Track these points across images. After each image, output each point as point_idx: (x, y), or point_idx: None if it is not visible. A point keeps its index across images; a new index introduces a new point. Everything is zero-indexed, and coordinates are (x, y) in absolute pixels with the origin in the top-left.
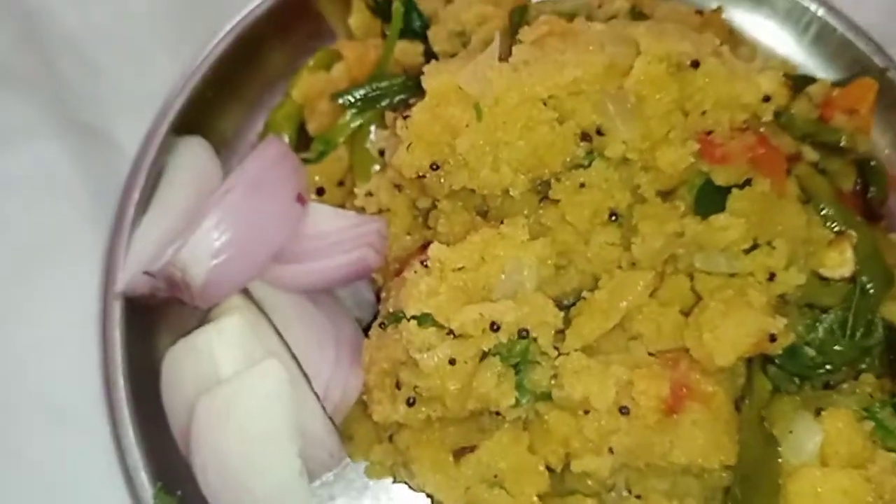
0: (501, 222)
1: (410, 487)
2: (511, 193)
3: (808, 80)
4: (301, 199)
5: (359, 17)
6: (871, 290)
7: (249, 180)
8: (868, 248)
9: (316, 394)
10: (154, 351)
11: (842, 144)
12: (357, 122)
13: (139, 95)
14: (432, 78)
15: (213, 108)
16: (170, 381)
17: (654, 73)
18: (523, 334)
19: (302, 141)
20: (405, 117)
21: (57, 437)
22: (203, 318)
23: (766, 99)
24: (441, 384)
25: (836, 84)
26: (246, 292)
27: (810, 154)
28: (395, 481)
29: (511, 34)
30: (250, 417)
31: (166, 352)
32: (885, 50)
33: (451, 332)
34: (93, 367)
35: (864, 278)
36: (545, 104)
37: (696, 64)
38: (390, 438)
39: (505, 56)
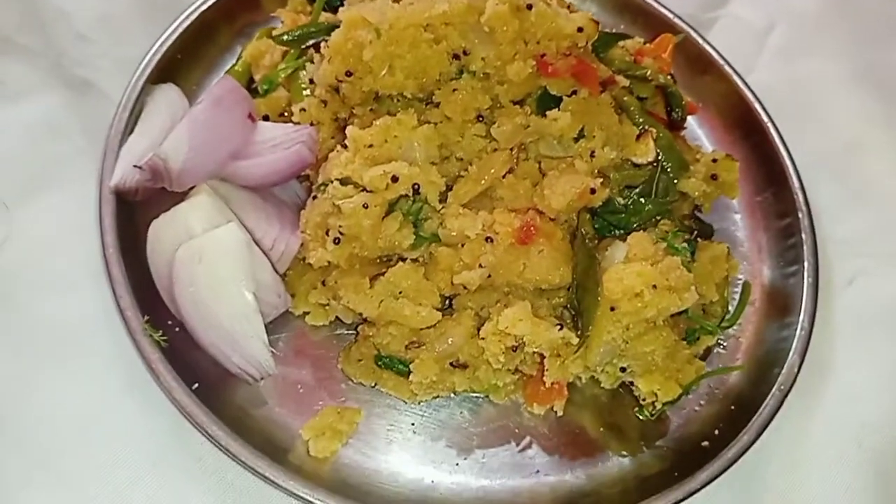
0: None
1: (340, 321)
2: (405, 94)
3: (626, 36)
4: (251, 118)
5: (292, 4)
6: (669, 170)
7: (212, 99)
8: (666, 140)
9: (265, 252)
10: (140, 235)
11: (647, 76)
12: (292, 65)
13: (120, 57)
14: (346, 11)
15: (179, 68)
16: (154, 245)
17: (500, 11)
18: (416, 188)
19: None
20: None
21: (66, 300)
22: None
23: (580, 30)
24: (358, 222)
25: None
26: (211, 186)
27: (623, 81)
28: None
29: None
30: (217, 264)
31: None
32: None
33: (363, 189)
34: (93, 250)
35: (664, 161)
36: (425, 30)
37: (529, 6)
38: (324, 284)
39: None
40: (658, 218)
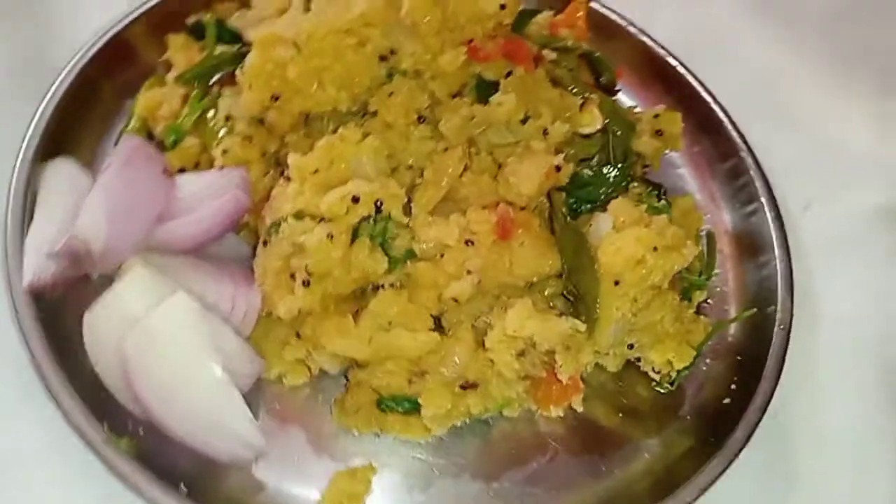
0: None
1: (324, 372)
2: (340, 108)
3: (536, 12)
4: (167, 172)
5: (175, 44)
6: (619, 133)
7: (120, 160)
8: (609, 106)
9: (224, 318)
10: (70, 334)
11: (568, 45)
12: (198, 108)
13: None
14: (256, 32)
15: (65, 140)
16: (93, 340)
17: (419, 2)
18: (378, 204)
19: None
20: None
21: (7, 429)
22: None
23: (503, 7)
24: (325, 256)
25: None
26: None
27: (550, 55)
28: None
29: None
30: (174, 343)
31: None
32: None
33: (322, 219)
34: (21, 365)
35: (613, 126)
36: (346, 35)
37: None
38: (298, 336)
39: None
40: (625, 183)
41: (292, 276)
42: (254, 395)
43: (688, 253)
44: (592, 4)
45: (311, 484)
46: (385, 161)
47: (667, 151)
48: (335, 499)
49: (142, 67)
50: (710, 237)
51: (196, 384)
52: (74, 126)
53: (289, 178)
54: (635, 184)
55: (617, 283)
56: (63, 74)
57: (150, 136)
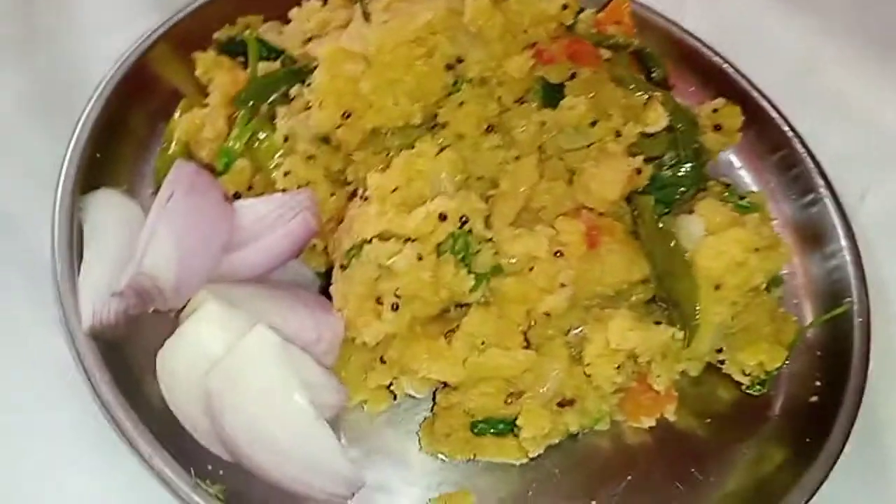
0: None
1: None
2: (413, 122)
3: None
4: (227, 198)
5: (205, 63)
6: (684, 130)
7: (183, 187)
8: (671, 103)
9: (305, 348)
10: (137, 377)
11: (620, 42)
12: (249, 129)
13: (31, 178)
14: (321, 47)
15: (101, 173)
16: (169, 382)
17: (482, 6)
18: (464, 219)
19: None
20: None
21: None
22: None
23: (565, 7)
24: (415, 278)
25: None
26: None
27: (605, 53)
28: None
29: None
30: (258, 379)
31: (156, 359)
32: None
33: (408, 239)
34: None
35: (677, 123)
36: (415, 45)
37: None
38: (383, 361)
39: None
40: (701, 182)
41: (379, 301)
42: (333, 425)
43: (786, 252)
44: None
45: None
46: (460, 174)
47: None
48: None
49: (170, 89)
50: None
51: (285, 420)
52: (109, 155)
53: (366, 199)
54: (712, 182)
55: (717, 287)
56: (91, 104)
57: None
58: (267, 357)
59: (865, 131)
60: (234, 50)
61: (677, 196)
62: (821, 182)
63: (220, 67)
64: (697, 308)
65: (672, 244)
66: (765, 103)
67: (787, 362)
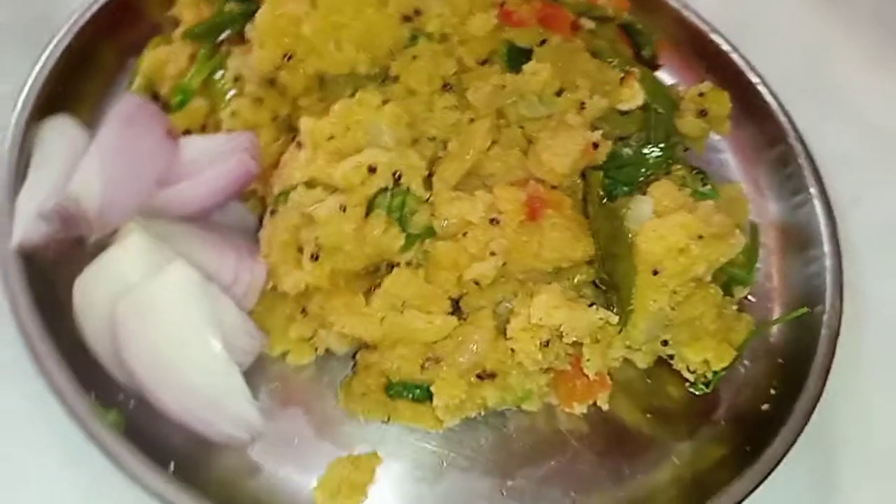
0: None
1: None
2: (359, 71)
3: None
4: (171, 134)
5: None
6: (661, 111)
7: (120, 118)
8: (650, 81)
9: (225, 290)
10: (62, 299)
11: (608, 14)
12: (207, 67)
13: None
14: None
15: (64, 99)
16: (84, 307)
17: None
18: (397, 176)
19: None
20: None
21: None
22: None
23: None
24: (337, 229)
25: None
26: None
27: (588, 23)
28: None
29: None
30: (171, 314)
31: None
32: None
33: (336, 189)
34: (8, 330)
35: (654, 103)
36: None
37: None
38: (304, 312)
39: None
40: (667, 165)
41: (300, 250)
42: (254, 374)
43: (735, 243)
44: None
45: (309, 470)
46: (406, 130)
47: (711, 134)
48: (332, 486)
49: (147, 24)
50: (754, 228)
51: (192, 358)
52: (74, 84)
53: (301, 144)
54: (678, 166)
55: (656, 272)
56: (64, 30)
57: (155, 96)
58: (183, 292)
59: (868, 132)
60: None
61: (640, 178)
62: (813, 183)
63: (194, 5)
64: (634, 292)
65: (616, 223)
66: (766, 94)
67: (744, 364)
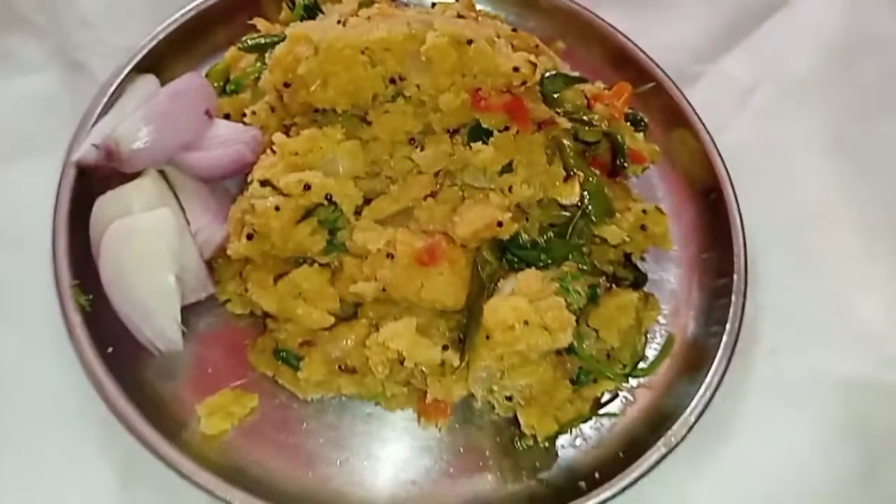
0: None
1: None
2: (336, 109)
3: (582, 80)
4: (209, 114)
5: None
6: (592, 214)
7: (171, 92)
8: (595, 186)
9: (193, 238)
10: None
11: (593, 121)
12: (256, 71)
13: (115, 45)
14: (292, 27)
15: (167, 61)
16: (97, 218)
17: (440, 43)
18: (329, 197)
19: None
20: None
21: (13, 255)
22: None
23: (516, 69)
24: (267, 222)
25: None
26: (161, 172)
27: (564, 123)
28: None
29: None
30: (144, 243)
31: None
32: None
33: (280, 193)
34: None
35: (588, 205)
36: (363, 53)
37: (470, 42)
38: (241, 275)
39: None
40: (568, 257)
41: (243, 227)
42: (204, 309)
43: (561, 338)
44: (672, 89)
45: (207, 392)
46: (359, 165)
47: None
48: (213, 408)
49: (245, 25)
50: (669, 340)
51: (147, 278)
52: (175, 54)
53: (273, 151)
54: (571, 263)
55: (488, 337)
56: (183, 11)
57: (227, 80)
58: (161, 231)
59: (816, 295)
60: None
61: (540, 261)
62: (733, 322)
63: (282, 21)
64: (473, 347)
65: (481, 290)
66: (737, 231)
67: (591, 448)
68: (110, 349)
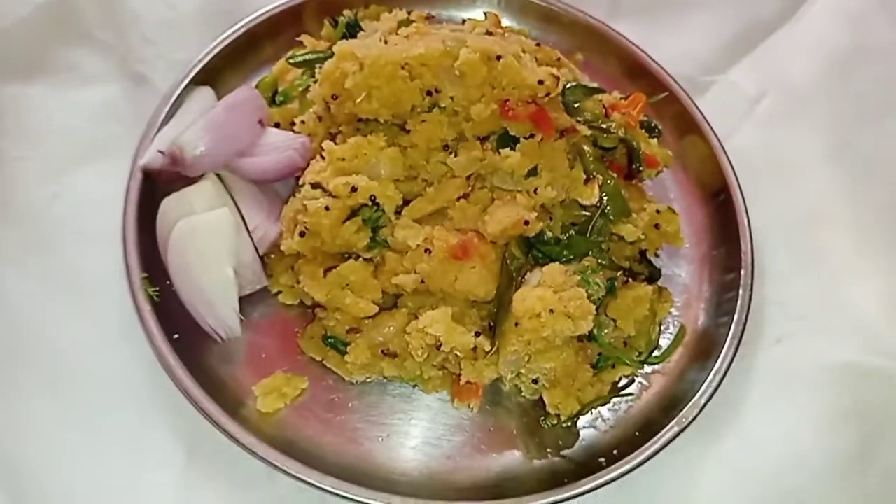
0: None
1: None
2: (378, 119)
3: (600, 90)
4: (261, 123)
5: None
6: (610, 213)
7: (228, 104)
8: (613, 188)
9: (250, 235)
10: (157, 209)
11: (611, 129)
12: (304, 83)
13: (174, 59)
14: (339, 44)
15: (222, 73)
16: (162, 217)
17: (472, 59)
18: (373, 199)
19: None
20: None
21: (92, 252)
22: None
23: (541, 82)
24: (318, 221)
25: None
26: (218, 176)
27: (584, 130)
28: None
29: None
30: (207, 240)
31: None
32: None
33: (329, 194)
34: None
35: (606, 206)
36: (403, 68)
37: (499, 57)
38: (293, 269)
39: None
40: (589, 253)
41: (296, 225)
42: (258, 300)
43: (582, 325)
44: (684, 98)
45: (262, 374)
46: (399, 169)
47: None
48: (268, 389)
49: (293, 41)
50: (681, 330)
51: (209, 271)
52: (231, 65)
53: (322, 157)
54: (591, 258)
55: (517, 324)
56: (236, 27)
57: (276, 91)
58: (221, 228)
59: (818, 290)
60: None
61: (563, 257)
62: (740, 314)
63: (323, 37)
64: (502, 333)
65: (510, 281)
66: (745, 230)
67: (610, 428)
68: (176, 336)
